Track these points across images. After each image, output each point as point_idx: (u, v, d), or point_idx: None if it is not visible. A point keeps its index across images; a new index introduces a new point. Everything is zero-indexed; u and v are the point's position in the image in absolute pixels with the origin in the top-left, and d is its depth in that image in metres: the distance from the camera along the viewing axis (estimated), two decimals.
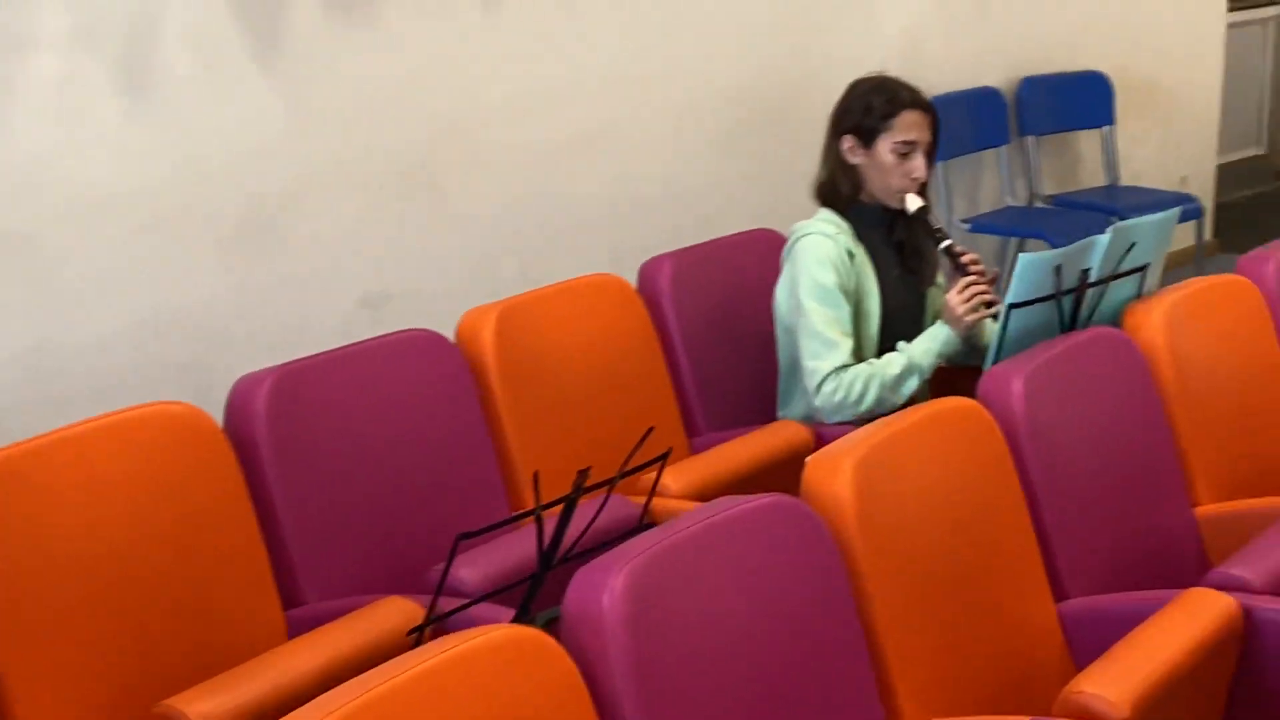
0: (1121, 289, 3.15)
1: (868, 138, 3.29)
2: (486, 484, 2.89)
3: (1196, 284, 3.21)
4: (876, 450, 2.32)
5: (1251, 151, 8.96)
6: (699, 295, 3.44)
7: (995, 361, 2.97)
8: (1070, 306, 3.05)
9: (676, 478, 2.93)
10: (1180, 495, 2.95)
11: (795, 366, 3.35)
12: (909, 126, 3.26)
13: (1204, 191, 7.13)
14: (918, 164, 3.28)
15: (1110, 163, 6.47)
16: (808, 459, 2.30)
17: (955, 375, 3.38)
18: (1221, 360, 3.13)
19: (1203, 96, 7.20)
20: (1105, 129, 6.41)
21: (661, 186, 4.62)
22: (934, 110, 3.31)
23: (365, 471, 2.77)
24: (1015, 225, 5.94)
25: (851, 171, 3.33)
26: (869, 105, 3.28)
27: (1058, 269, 2.98)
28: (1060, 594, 2.58)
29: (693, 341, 3.39)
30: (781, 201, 4.81)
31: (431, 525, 2.79)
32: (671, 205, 4.67)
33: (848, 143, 3.32)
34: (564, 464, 2.62)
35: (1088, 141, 6.54)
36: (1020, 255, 2.93)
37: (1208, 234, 6.84)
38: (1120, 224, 3.05)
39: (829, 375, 3.18)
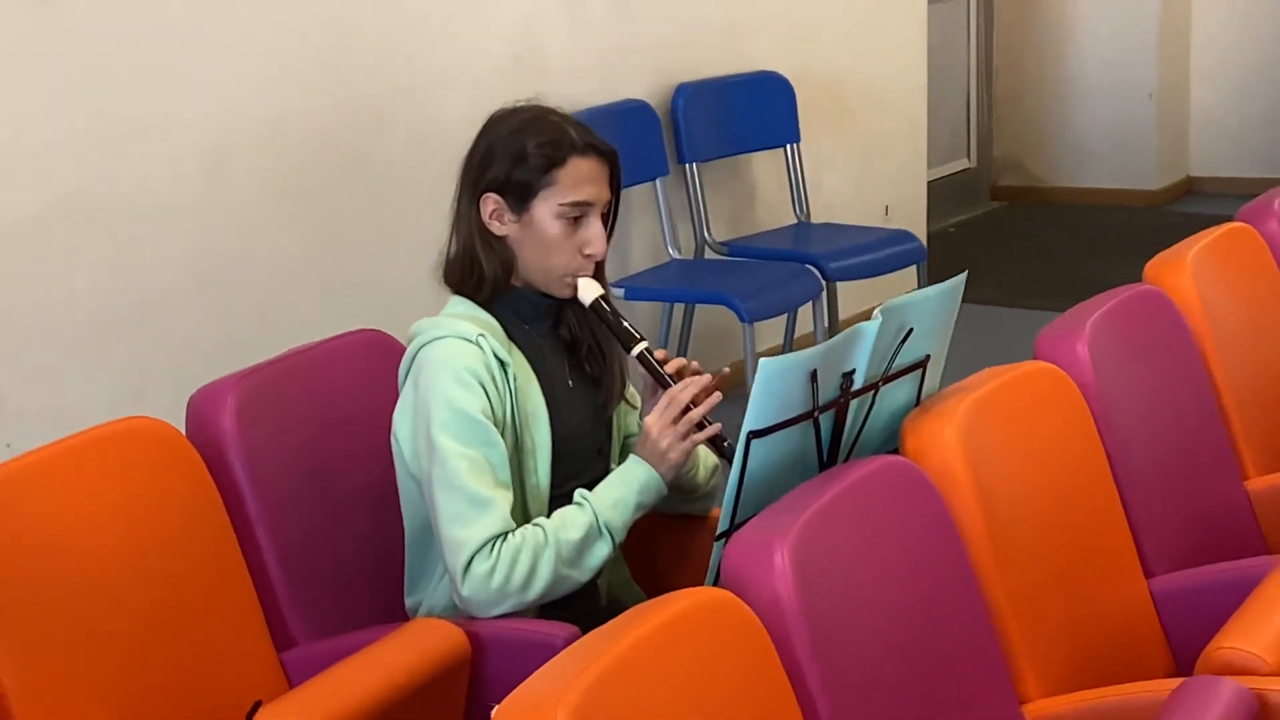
0: (894, 394, 2.94)
1: (520, 198, 3.01)
2: None
3: (995, 377, 3.05)
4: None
5: (958, 166, 9.09)
6: (280, 435, 3.16)
7: (735, 514, 2.71)
8: (830, 427, 2.81)
9: None
10: (1004, 691, 2.77)
11: (428, 536, 3.02)
12: (580, 181, 3.01)
13: (913, 223, 7.12)
14: (593, 233, 3.03)
15: (798, 194, 6.36)
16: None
17: (674, 529, 3.21)
18: (1033, 474, 3.03)
19: (904, 101, 7.21)
20: (788, 148, 6.30)
21: (192, 275, 4.46)
22: (614, 156, 3.06)
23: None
24: (685, 287, 5.75)
25: (497, 246, 3.04)
26: (521, 151, 3.00)
27: (813, 375, 2.72)
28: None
29: (277, 508, 3.11)
30: (384, 287, 4.79)
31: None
32: (214, 302, 4.50)
33: (490, 205, 3.03)
34: None
35: (766, 167, 6.43)
36: (761, 361, 2.67)
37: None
38: (891, 304, 2.83)
39: (480, 551, 2.87)
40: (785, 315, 6.13)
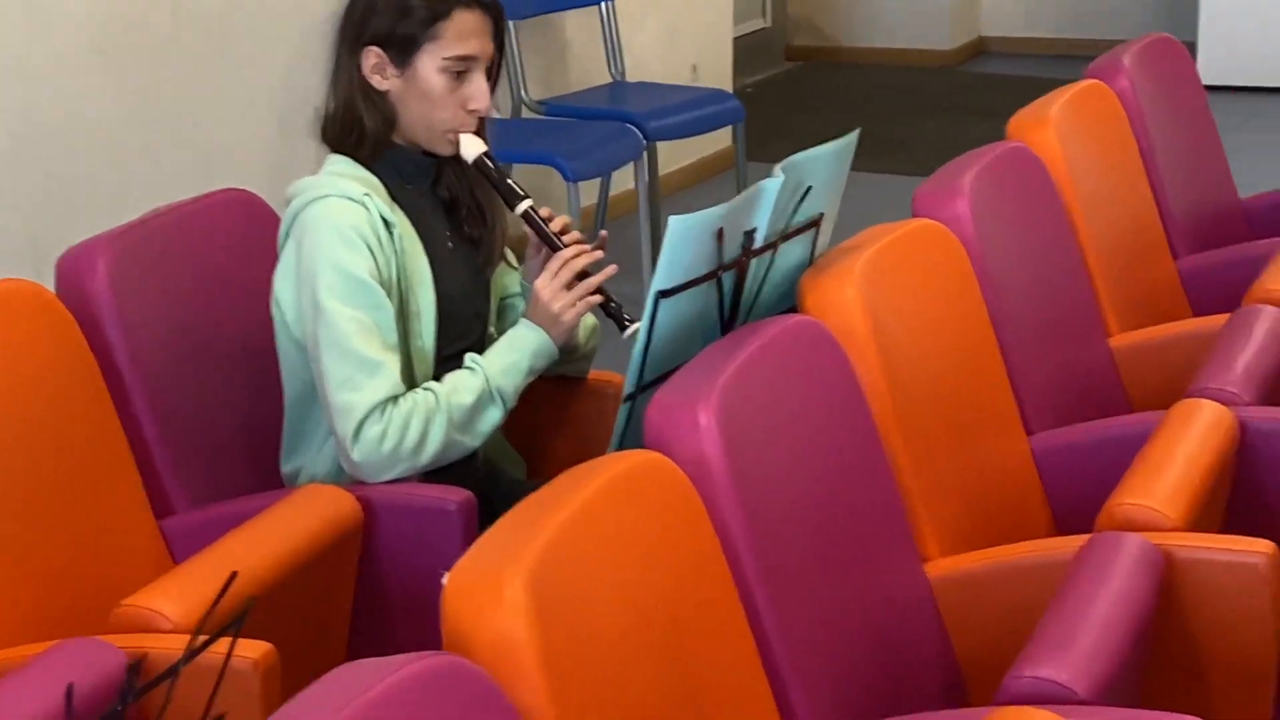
0: (790, 253, 2.92)
1: (403, 52, 2.94)
2: None
3: (884, 235, 3.03)
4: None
5: (754, 25, 9.06)
6: (154, 299, 3.05)
7: (642, 375, 2.68)
8: (732, 285, 2.79)
9: (170, 600, 2.53)
10: (908, 550, 2.78)
11: (309, 401, 2.95)
12: (465, 34, 2.95)
13: (720, 83, 7.09)
14: (478, 88, 2.97)
15: (613, 52, 6.29)
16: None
17: (551, 392, 3.17)
18: (926, 331, 3.03)
19: None
20: (603, 5, 6.23)
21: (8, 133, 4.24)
22: (499, 9, 3.01)
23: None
24: (507, 146, 5.64)
25: (379, 101, 2.96)
26: (404, 4, 2.95)
27: (719, 234, 2.69)
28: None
29: (153, 374, 3.00)
30: (253, 144, 4.68)
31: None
32: (64, 159, 4.33)
33: (372, 59, 2.95)
34: None
35: (579, 25, 6.35)
36: (670, 220, 2.62)
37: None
38: (791, 161, 2.80)
39: (370, 415, 2.81)
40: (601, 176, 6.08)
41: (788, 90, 8.86)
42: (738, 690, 2.31)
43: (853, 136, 2.98)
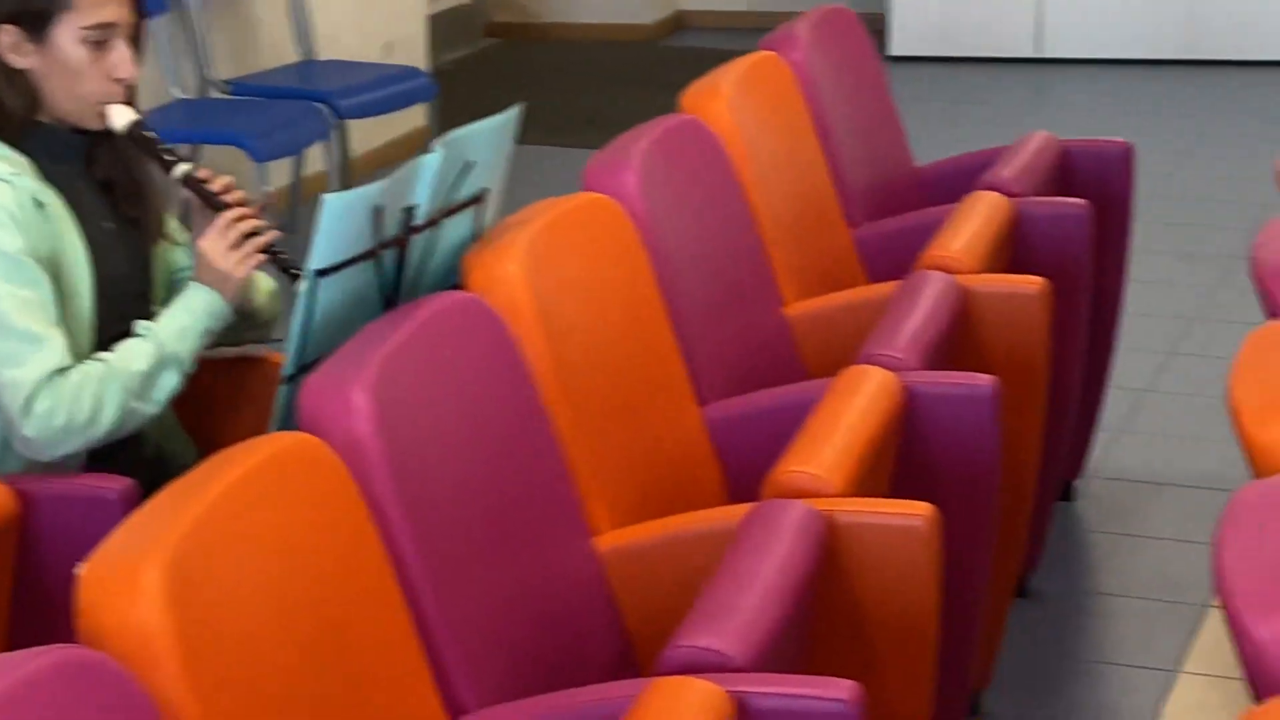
0: (454, 230, 2.90)
1: (37, 26, 2.86)
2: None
3: (550, 210, 3.02)
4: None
5: (453, 2, 9.01)
6: None
7: (303, 355, 2.64)
8: (394, 263, 2.76)
9: None
10: (578, 525, 2.78)
11: None
12: (99, 1, 2.86)
13: (414, 60, 7.04)
14: (121, 56, 2.90)
15: (302, 31, 6.22)
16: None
17: (227, 372, 3.14)
18: (593, 306, 3.04)
19: None
20: None
21: None
22: None
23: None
24: (193, 127, 5.57)
25: (18, 80, 2.88)
26: None
27: (378, 211, 2.66)
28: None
29: None
30: None
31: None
32: None
33: (6, 37, 2.86)
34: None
35: (269, 3, 6.27)
36: (325, 197, 2.59)
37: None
38: (451, 137, 2.77)
39: (38, 388, 2.73)
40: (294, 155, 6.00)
41: (487, 68, 8.83)
42: (395, 676, 2.29)
43: (513, 111, 2.97)
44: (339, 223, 2.61)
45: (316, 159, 6.10)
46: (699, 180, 3.44)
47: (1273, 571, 1.88)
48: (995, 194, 3.79)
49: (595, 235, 3.04)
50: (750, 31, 9.08)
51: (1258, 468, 2.26)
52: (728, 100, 3.67)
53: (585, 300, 2.93)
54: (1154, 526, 4.25)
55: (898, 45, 8.76)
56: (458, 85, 7.76)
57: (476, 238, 2.95)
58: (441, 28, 8.15)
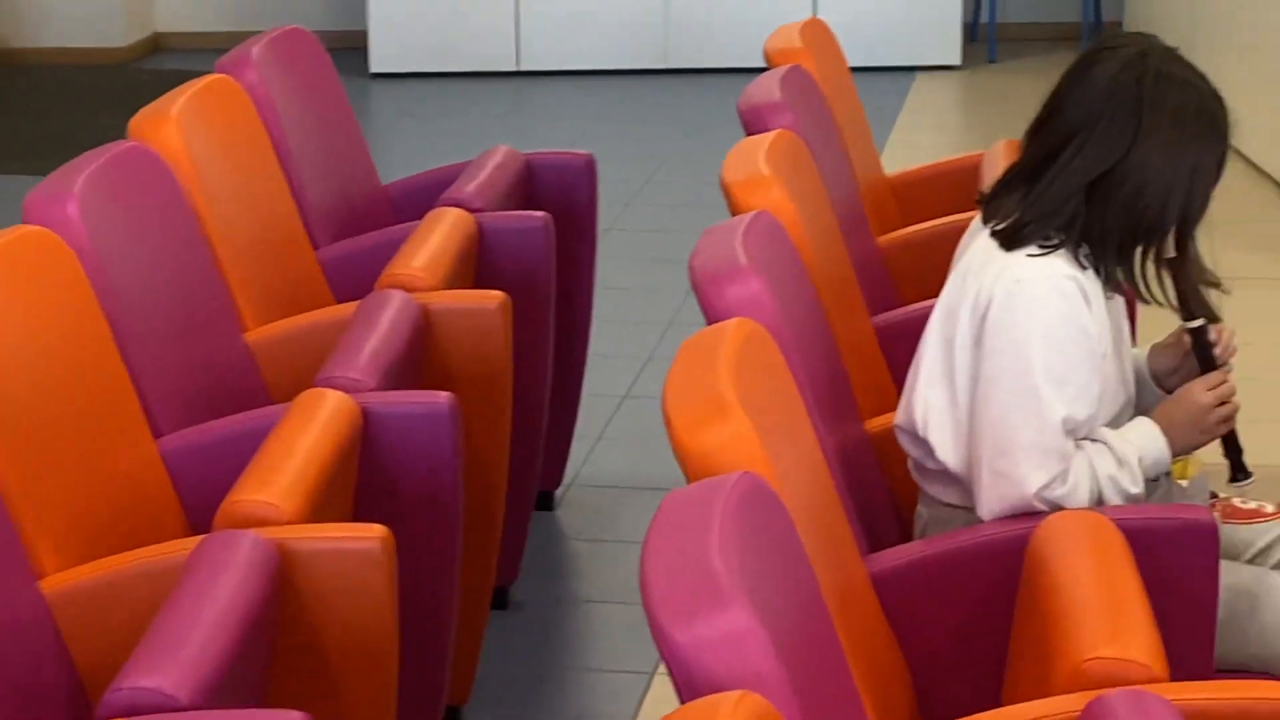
0: None
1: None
2: None
3: None
4: None
5: None
6: None
7: None
8: None
9: None
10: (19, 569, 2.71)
11: None
12: None
13: None
14: None
15: None
16: None
17: None
18: (31, 346, 2.94)
19: None
20: None
21: None
22: None
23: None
24: None
25: None
26: None
27: None
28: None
29: None
30: None
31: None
32: None
33: None
34: None
35: None
36: None
37: None
38: None
39: None
40: None
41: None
42: None
43: None
44: None
45: None
46: (147, 208, 3.36)
47: (691, 577, 1.92)
48: (457, 209, 3.82)
49: (33, 269, 2.93)
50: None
51: (690, 474, 2.31)
52: (177, 125, 3.58)
53: (21, 338, 2.82)
54: (632, 531, 4.32)
55: (378, 62, 8.76)
56: None
57: None
58: None
